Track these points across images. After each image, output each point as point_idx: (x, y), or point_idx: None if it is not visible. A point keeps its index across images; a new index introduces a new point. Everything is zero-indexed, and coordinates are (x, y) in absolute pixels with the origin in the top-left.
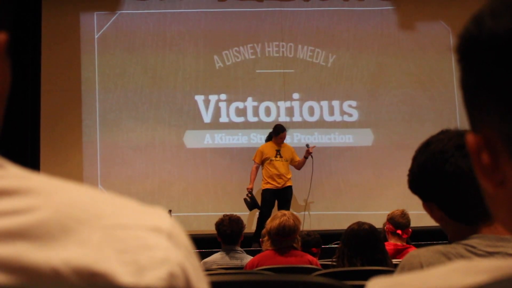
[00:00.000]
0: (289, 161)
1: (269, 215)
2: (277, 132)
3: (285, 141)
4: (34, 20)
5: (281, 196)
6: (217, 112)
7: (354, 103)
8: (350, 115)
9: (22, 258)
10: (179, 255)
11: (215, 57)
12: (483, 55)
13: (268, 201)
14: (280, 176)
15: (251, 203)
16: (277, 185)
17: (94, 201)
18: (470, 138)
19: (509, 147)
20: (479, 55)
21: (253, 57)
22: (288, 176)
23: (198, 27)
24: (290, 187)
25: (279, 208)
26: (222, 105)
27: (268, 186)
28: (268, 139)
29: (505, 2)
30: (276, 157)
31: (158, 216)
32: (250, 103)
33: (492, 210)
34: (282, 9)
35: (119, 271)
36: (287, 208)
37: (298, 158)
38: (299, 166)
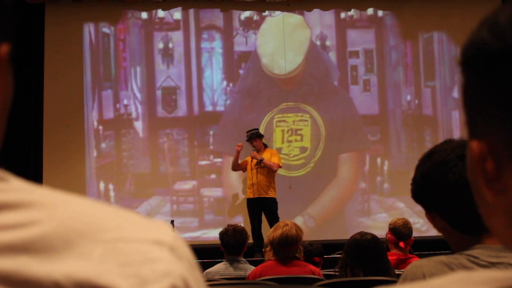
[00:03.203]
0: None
1: (258, 225)
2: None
3: (269, 147)
4: (37, 31)
5: (264, 207)
6: None
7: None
8: None
9: (24, 271)
10: (182, 268)
11: None
12: (500, 66)
13: (251, 212)
14: (256, 186)
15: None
16: (255, 195)
17: (97, 214)
18: (474, 145)
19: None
20: (495, 65)
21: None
22: (268, 188)
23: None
24: (271, 199)
25: (267, 220)
26: None
27: (249, 196)
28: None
29: None
30: (256, 165)
31: (161, 229)
32: None
33: (487, 219)
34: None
35: (121, 285)
36: (275, 220)
37: (276, 161)
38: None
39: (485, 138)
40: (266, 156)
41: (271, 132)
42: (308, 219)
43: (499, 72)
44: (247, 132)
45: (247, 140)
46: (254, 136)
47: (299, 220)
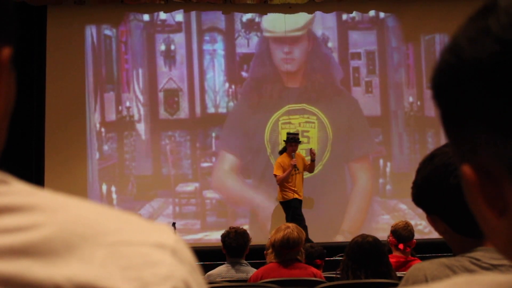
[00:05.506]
0: (303, 171)
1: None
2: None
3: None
4: (39, 33)
5: (299, 206)
6: None
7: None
8: None
9: (25, 275)
10: (183, 271)
11: None
12: (468, 84)
13: (297, 208)
14: (298, 191)
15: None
16: (299, 196)
17: (98, 217)
18: (467, 170)
19: (510, 172)
20: (464, 85)
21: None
22: (301, 189)
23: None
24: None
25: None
26: None
27: (293, 197)
28: (283, 150)
29: (480, 27)
30: (295, 170)
31: (162, 232)
32: None
33: (493, 241)
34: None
35: None
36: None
37: (307, 162)
38: (311, 169)
39: (477, 160)
40: (300, 160)
41: (277, 135)
42: (348, 236)
43: (471, 91)
44: (290, 134)
45: (288, 141)
46: (298, 141)
47: (339, 238)
